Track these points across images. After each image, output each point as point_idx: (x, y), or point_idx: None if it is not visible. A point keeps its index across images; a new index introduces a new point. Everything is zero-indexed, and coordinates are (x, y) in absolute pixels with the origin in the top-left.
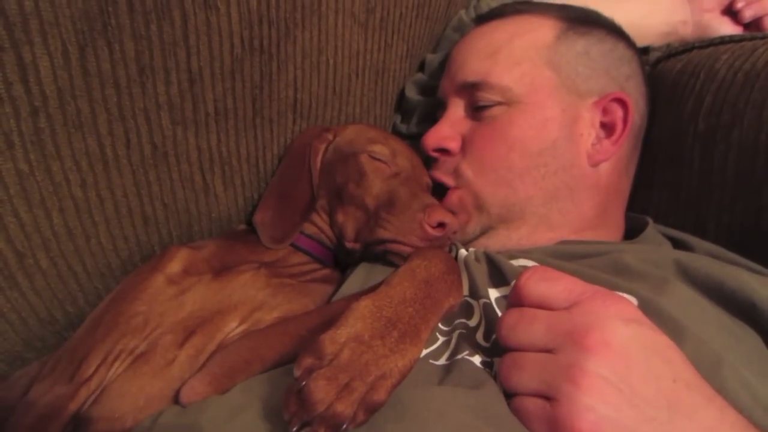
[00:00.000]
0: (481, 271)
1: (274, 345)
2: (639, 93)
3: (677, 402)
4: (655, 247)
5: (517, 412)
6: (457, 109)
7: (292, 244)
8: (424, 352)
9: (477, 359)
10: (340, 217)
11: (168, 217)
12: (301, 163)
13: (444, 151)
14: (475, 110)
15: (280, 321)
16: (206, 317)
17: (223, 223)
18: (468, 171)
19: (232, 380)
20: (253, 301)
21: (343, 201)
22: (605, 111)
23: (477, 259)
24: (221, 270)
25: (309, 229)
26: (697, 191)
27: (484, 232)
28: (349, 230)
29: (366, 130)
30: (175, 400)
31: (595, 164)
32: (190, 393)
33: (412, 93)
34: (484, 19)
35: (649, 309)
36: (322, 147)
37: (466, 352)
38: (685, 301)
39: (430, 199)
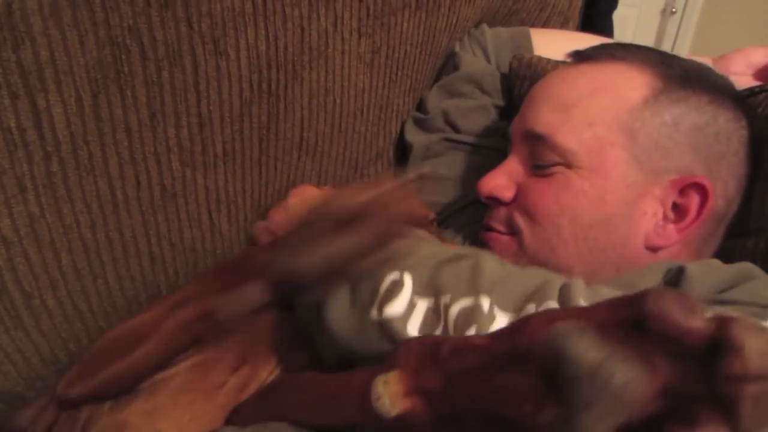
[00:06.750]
0: None
1: None
2: (731, 174)
3: None
4: None
5: None
6: (517, 157)
7: None
8: None
9: None
10: None
11: (175, 257)
12: None
13: (496, 200)
14: (535, 167)
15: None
16: None
17: (227, 259)
18: (520, 221)
19: None
20: None
21: None
22: (682, 192)
23: None
24: None
25: None
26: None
27: None
28: None
29: None
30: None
31: (652, 249)
32: None
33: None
34: (576, 58)
35: None
36: None
37: None
38: None
39: None
